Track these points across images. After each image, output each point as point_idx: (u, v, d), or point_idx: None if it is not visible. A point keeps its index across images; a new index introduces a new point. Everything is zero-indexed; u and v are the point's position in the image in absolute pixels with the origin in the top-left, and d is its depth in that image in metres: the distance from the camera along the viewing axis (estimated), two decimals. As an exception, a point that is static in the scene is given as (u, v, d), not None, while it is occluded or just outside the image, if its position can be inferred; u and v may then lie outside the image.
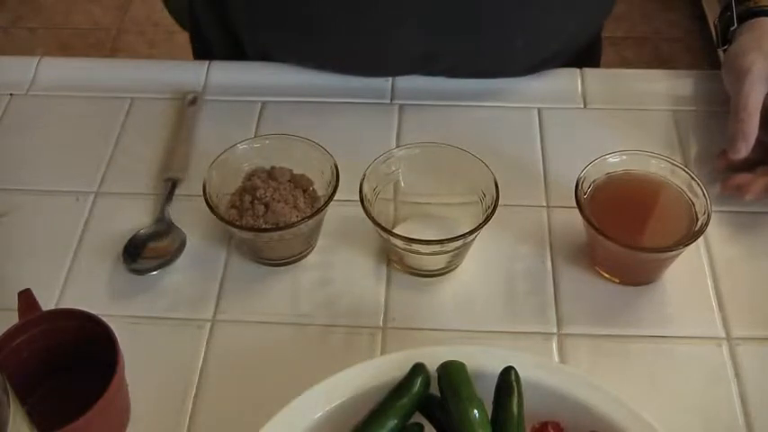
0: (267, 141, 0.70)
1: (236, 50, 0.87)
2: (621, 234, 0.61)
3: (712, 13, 2.01)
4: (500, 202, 0.63)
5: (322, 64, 0.83)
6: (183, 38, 1.10)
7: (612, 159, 0.66)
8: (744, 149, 0.69)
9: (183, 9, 1.08)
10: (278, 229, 0.64)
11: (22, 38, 2.25)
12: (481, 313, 0.65)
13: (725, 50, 0.75)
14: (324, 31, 0.79)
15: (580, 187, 0.64)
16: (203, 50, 0.92)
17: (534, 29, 0.79)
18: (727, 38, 0.76)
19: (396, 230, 0.67)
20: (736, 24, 0.75)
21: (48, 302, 0.65)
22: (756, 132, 0.69)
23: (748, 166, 0.71)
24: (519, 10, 0.77)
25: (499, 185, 0.64)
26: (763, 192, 0.69)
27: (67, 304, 0.64)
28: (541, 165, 0.75)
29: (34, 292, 0.60)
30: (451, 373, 0.50)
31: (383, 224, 0.63)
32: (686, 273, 0.66)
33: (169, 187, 0.72)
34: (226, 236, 0.70)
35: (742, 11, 0.75)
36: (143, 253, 0.67)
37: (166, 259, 0.67)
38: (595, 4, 0.84)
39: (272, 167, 0.68)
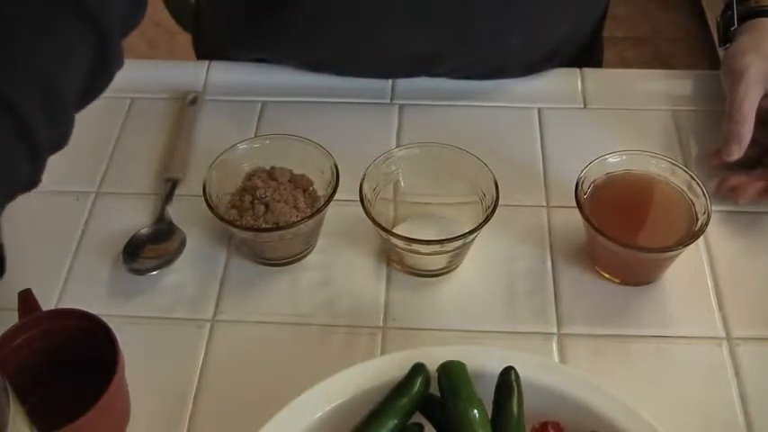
0: (267, 141, 0.70)
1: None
2: (621, 234, 0.61)
3: (712, 12, 2.01)
4: (500, 202, 0.63)
5: (320, 68, 0.83)
6: (183, 38, 1.09)
7: (612, 159, 0.66)
8: (737, 152, 0.69)
9: (184, 10, 1.08)
10: (278, 229, 0.64)
11: (22, 38, 2.24)
12: (481, 313, 0.65)
13: (726, 49, 0.75)
14: (322, 36, 0.80)
15: (580, 187, 0.64)
16: (206, 53, 0.92)
17: (531, 27, 0.80)
18: (727, 37, 0.76)
19: (396, 230, 0.67)
20: (736, 24, 0.75)
21: (48, 302, 0.65)
22: (750, 135, 0.69)
23: (746, 164, 0.71)
24: (514, 8, 0.77)
25: (499, 185, 0.64)
26: (756, 196, 0.69)
27: (67, 304, 0.64)
28: (541, 165, 0.75)
29: (34, 292, 0.60)
30: (451, 373, 0.50)
31: (383, 224, 0.63)
32: (686, 273, 0.66)
33: (169, 187, 0.72)
34: (226, 236, 0.70)
35: (743, 10, 0.75)
36: (143, 253, 0.67)
37: (166, 259, 0.67)
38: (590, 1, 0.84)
39: (272, 167, 0.68)
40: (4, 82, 0.48)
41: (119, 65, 0.57)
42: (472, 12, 0.77)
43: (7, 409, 0.41)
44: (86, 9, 0.52)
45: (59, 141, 0.54)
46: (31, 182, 0.52)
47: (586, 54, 0.89)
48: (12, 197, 0.51)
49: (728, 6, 0.77)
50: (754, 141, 0.69)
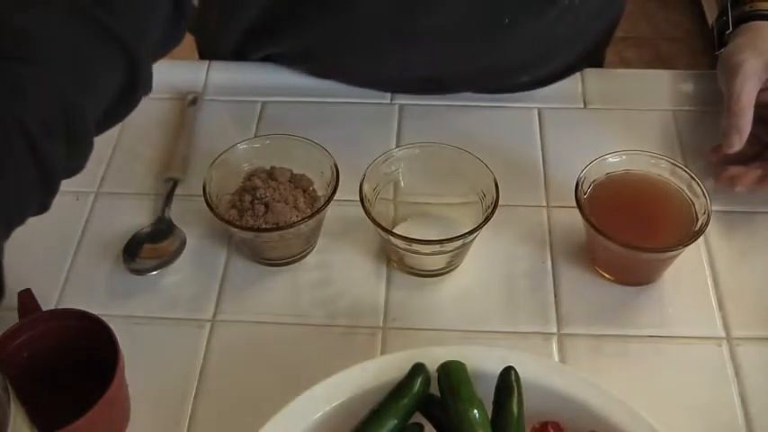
0: (267, 141, 0.70)
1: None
2: (621, 234, 0.61)
3: (712, 12, 2.01)
4: (500, 202, 0.63)
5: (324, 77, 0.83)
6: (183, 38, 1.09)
7: (612, 159, 0.66)
8: (738, 143, 0.69)
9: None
10: (278, 229, 0.64)
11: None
12: (481, 313, 0.65)
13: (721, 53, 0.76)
14: (328, 57, 0.80)
15: (580, 187, 0.64)
16: (209, 53, 0.92)
17: (542, 66, 0.80)
18: (722, 41, 0.76)
19: (396, 230, 0.67)
20: (731, 28, 0.75)
21: (48, 302, 0.65)
22: (750, 126, 0.69)
23: (742, 161, 0.71)
24: (530, 50, 0.77)
25: (499, 185, 0.64)
26: (755, 183, 0.69)
27: (67, 304, 0.64)
28: (541, 165, 0.75)
29: (34, 292, 0.60)
30: (451, 372, 0.50)
31: (383, 224, 0.63)
32: (686, 273, 0.66)
33: (169, 187, 0.72)
34: (226, 236, 0.70)
35: (737, 15, 0.75)
36: (143, 253, 0.67)
37: (166, 259, 0.67)
38: (601, 35, 0.85)
39: (272, 167, 0.68)
40: (26, 113, 0.48)
41: (147, 90, 0.56)
42: (480, 52, 0.77)
43: (8, 408, 0.41)
44: (117, 37, 0.51)
45: (76, 168, 0.54)
46: (43, 207, 0.52)
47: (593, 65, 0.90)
48: (22, 222, 0.51)
49: (723, 12, 0.77)
50: (752, 137, 0.70)
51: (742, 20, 0.74)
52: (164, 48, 0.58)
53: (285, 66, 0.84)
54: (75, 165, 0.53)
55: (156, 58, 0.57)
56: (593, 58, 0.88)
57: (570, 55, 0.81)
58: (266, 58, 0.84)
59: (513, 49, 0.77)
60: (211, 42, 0.91)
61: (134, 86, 0.54)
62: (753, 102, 0.69)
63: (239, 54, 0.85)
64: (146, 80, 0.55)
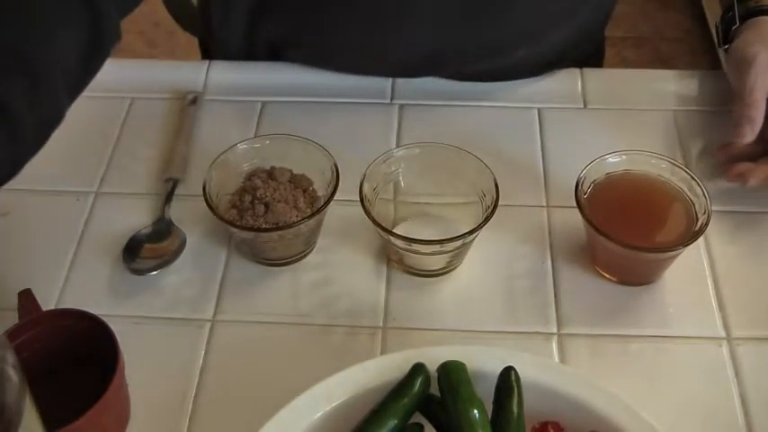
0: (267, 141, 0.70)
1: (248, 52, 0.87)
2: (621, 234, 0.61)
3: (712, 12, 2.01)
4: (500, 202, 0.63)
5: (327, 63, 0.83)
6: (183, 38, 1.09)
7: (612, 159, 0.66)
8: (749, 134, 0.69)
9: (183, 10, 1.08)
10: (278, 229, 0.64)
11: (22, 38, 2.23)
12: (481, 313, 0.65)
13: (726, 50, 0.76)
14: (331, 32, 0.80)
15: (580, 187, 0.64)
16: (213, 52, 0.92)
17: (538, 40, 0.80)
18: (728, 37, 0.76)
19: (396, 230, 0.67)
20: (738, 23, 0.75)
21: (48, 302, 0.65)
22: (762, 119, 0.69)
23: (750, 160, 0.71)
24: (521, 22, 0.77)
25: (499, 185, 0.64)
26: (766, 180, 0.69)
27: (67, 304, 0.64)
28: (541, 165, 0.75)
29: (34, 292, 0.60)
30: (451, 372, 0.50)
31: (383, 224, 0.63)
32: (686, 273, 0.66)
33: (169, 187, 0.72)
34: (226, 236, 0.70)
35: (743, 11, 0.75)
36: (143, 253, 0.67)
37: (166, 259, 0.67)
38: (596, 10, 0.84)
39: (272, 167, 0.68)
40: None
41: (114, 42, 0.56)
42: (478, 24, 0.77)
43: (23, 402, 0.41)
44: None
45: (49, 121, 0.53)
46: (12, 165, 0.52)
47: (591, 58, 0.89)
48: None
49: (729, 8, 0.77)
50: (759, 137, 0.70)
51: (748, 15, 0.75)
52: (128, 6, 0.58)
53: (287, 55, 0.83)
54: (46, 118, 0.53)
55: (123, 14, 0.57)
56: (591, 41, 0.88)
57: (565, 29, 0.81)
58: (270, 48, 0.84)
59: (511, 20, 0.77)
60: (215, 40, 0.91)
61: (100, 40, 0.55)
62: (765, 95, 0.69)
63: (243, 46, 0.85)
64: (112, 33, 0.56)
